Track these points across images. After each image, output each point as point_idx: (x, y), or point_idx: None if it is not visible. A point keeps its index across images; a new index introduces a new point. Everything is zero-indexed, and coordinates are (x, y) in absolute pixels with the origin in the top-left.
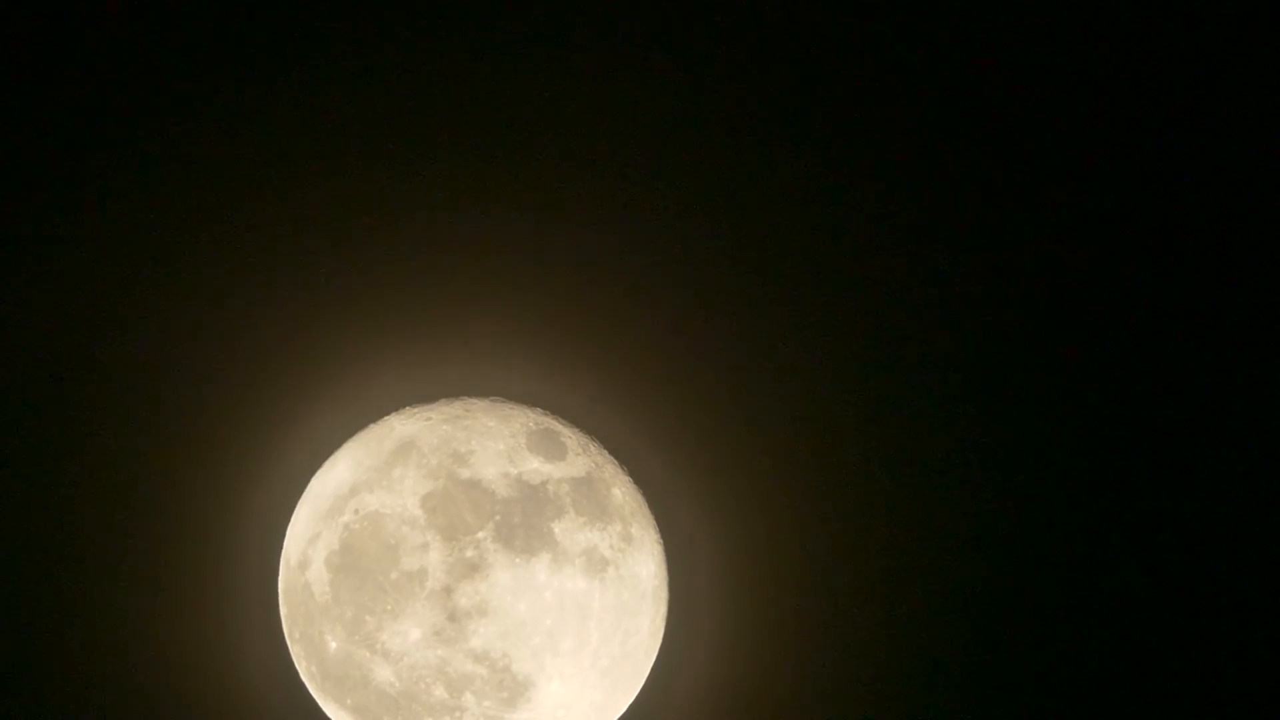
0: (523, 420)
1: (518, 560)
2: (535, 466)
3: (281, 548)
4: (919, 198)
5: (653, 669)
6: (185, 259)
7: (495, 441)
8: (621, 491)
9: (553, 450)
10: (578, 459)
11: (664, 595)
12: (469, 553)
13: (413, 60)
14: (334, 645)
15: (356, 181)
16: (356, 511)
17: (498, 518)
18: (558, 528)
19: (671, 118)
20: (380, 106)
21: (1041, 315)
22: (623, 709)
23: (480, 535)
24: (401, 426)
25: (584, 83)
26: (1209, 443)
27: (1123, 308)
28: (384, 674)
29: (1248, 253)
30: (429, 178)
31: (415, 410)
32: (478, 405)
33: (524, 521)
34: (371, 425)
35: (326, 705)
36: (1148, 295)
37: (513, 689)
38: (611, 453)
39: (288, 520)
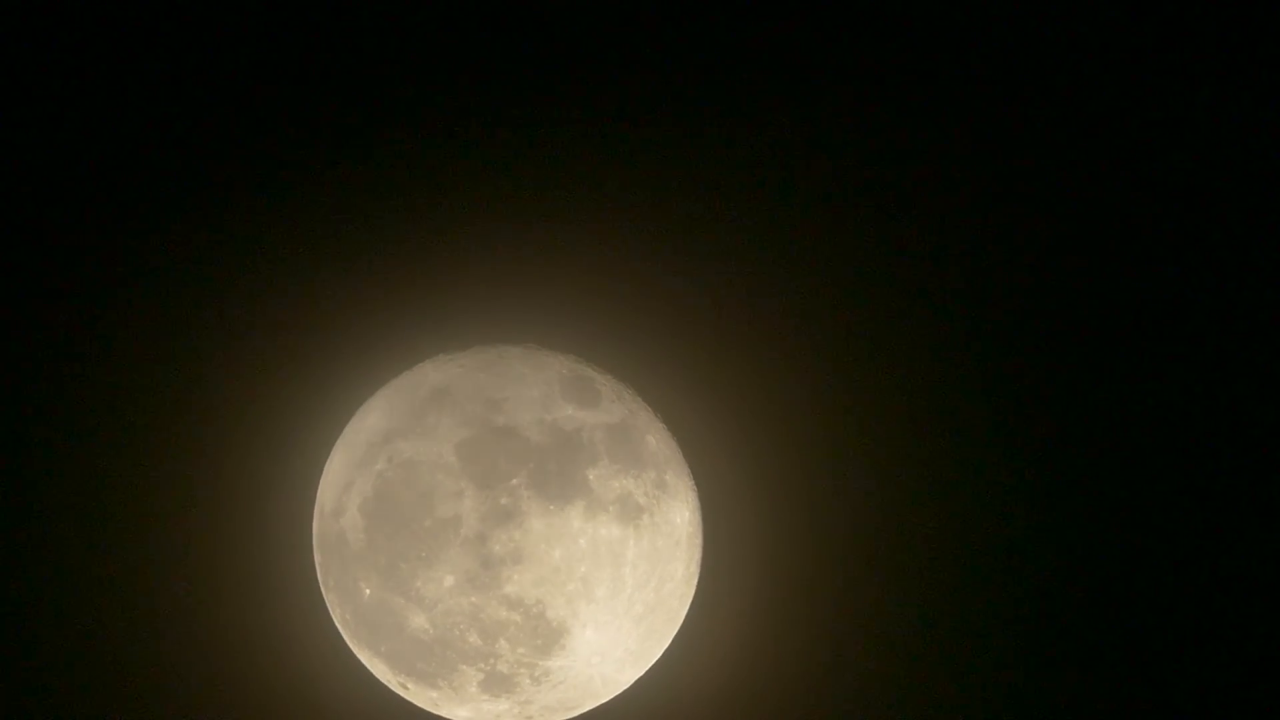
0: (557, 367)
1: (552, 507)
2: (569, 413)
3: (316, 495)
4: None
5: (687, 616)
6: (214, 212)
7: (529, 388)
8: (655, 438)
9: (587, 397)
10: (612, 406)
11: (698, 542)
12: (503, 500)
13: (458, 5)
14: (368, 592)
15: (393, 130)
16: (390, 459)
17: (532, 465)
18: (592, 475)
19: (711, 72)
20: (416, 56)
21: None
22: (657, 656)
23: (514, 482)
24: (435, 373)
25: (628, 28)
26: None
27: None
28: (418, 621)
29: (1251, 253)
30: (466, 125)
31: (449, 357)
32: (511, 352)
33: (558, 469)
34: (405, 372)
35: (360, 652)
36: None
37: (547, 636)
38: (646, 400)
39: (322, 468)
